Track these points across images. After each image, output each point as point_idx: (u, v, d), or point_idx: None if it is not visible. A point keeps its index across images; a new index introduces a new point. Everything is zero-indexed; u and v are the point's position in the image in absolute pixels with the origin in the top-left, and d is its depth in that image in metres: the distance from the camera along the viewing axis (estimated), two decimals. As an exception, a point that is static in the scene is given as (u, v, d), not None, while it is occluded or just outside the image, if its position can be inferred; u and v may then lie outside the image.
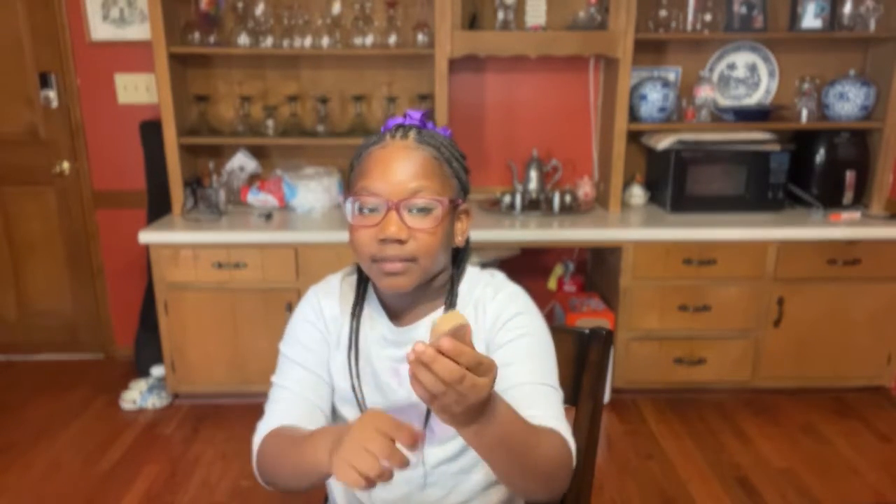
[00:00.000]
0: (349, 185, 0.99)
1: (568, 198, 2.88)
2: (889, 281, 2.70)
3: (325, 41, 2.79)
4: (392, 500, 1.06)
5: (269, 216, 2.78)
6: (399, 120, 0.99)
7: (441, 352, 0.65)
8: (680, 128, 2.85)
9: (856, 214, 2.75)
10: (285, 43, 2.78)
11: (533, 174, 2.92)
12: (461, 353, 0.65)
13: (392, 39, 2.81)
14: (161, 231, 2.63)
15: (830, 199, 2.86)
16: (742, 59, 2.99)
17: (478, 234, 2.53)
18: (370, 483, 0.72)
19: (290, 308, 2.57)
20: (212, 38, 2.80)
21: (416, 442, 0.73)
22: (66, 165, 3.06)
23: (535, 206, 2.89)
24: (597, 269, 3.08)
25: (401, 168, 0.93)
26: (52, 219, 3.12)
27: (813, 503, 2.20)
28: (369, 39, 2.80)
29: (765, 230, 2.66)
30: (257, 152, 3.03)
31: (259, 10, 2.77)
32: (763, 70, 3.00)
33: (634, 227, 2.71)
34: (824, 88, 2.89)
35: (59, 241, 3.15)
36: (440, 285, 1.04)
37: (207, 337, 2.69)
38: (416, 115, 0.99)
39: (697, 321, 2.72)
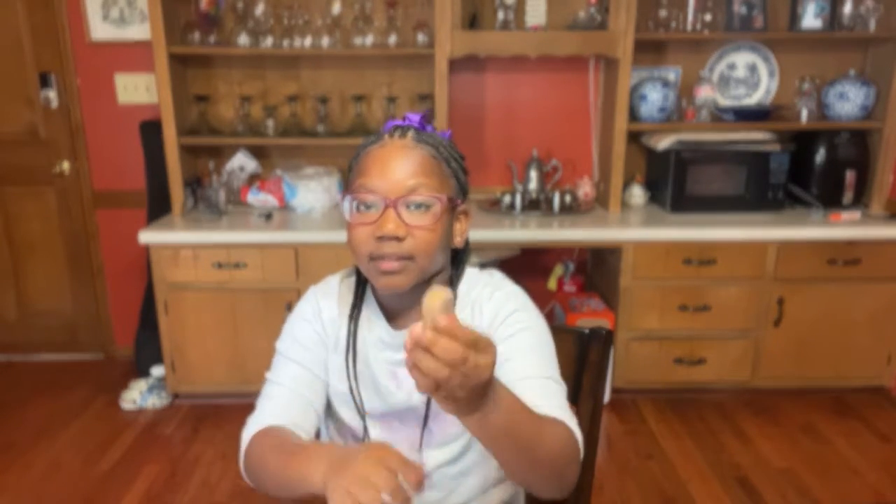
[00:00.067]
0: (348, 185, 0.99)
1: (568, 198, 2.88)
2: (889, 281, 2.70)
3: (325, 41, 2.79)
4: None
5: (269, 216, 2.78)
6: (398, 122, 0.99)
7: (438, 331, 0.62)
8: (680, 128, 2.85)
9: (856, 214, 2.75)
10: (285, 43, 2.78)
11: (533, 174, 2.92)
12: (459, 330, 0.62)
13: (392, 39, 2.81)
14: (161, 231, 2.63)
15: (830, 199, 2.86)
16: (742, 59, 2.99)
17: (478, 234, 2.54)
18: None
19: (290, 308, 2.55)
20: (212, 38, 2.80)
21: (421, 483, 0.71)
22: (66, 165, 3.06)
23: (535, 206, 2.89)
24: (597, 269, 3.08)
25: (399, 166, 0.93)
26: (52, 219, 3.13)
27: (813, 503, 2.20)
28: (369, 39, 2.80)
29: (765, 230, 2.66)
30: (257, 152, 3.03)
31: (259, 10, 2.77)
32: (763, 70, 3.01)
33: (634, 227, 2.71)
34: (824, 88, 2.89)
35: (59, 241, 3.15)
36: (440, 284, 1.04)
37: (207, 337, 2.69)
38: (415, 117, 0.99)
39: (697, 321, 2.72)
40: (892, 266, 2.68)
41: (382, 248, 0.92)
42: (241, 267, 2.62)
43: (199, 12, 2.77)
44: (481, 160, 3.10)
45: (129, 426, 2.67)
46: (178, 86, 2.78)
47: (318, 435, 1.09)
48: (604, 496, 2.23)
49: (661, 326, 2.73)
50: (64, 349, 3.28)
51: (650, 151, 2.98)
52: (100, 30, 2.89)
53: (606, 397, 2.79)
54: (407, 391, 1.02)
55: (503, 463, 0.81)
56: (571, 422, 0.88)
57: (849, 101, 2.81)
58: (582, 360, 1.16)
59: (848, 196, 2.87)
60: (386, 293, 1.00)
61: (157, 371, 2.85)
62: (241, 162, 3.00)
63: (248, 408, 1.03)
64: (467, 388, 0.65)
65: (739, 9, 2.82)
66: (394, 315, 1.03)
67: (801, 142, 2.89)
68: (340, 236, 2.55)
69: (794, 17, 2.83)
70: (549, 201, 2.87)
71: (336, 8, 2.78)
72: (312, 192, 2.84)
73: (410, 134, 0.96)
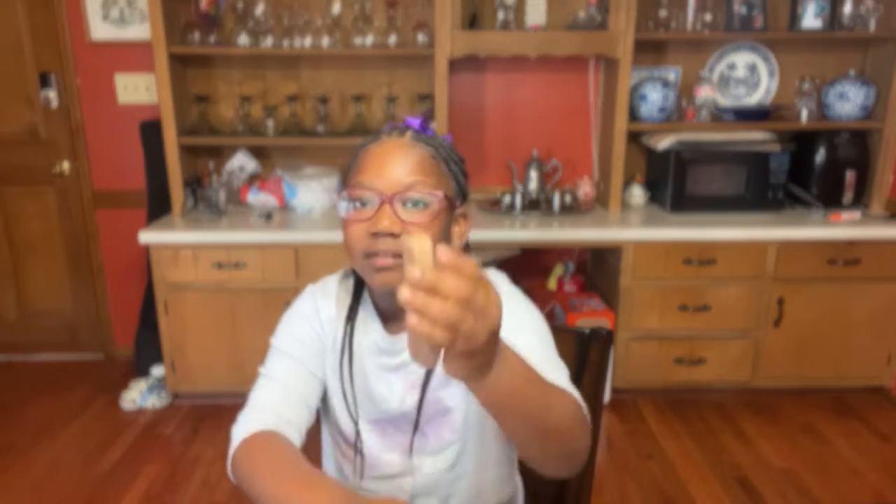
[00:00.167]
0: (344, 184, 0.98)
1: (568, 198, 2.88)
2: (889, 281, 2.71)
3: (325, 41, 2.79)
4: None
5: (269, 216, 2.78)
6: (397, 125, 0.98)
7: (441, 267, 0.54)
8: (680, 128, 2.85)
9: (856, 214, 2.75)
10: (285, 43, 2.78)
11: (533, 174, 2.92)
12: (463, 262, 0.54)
13: (392, 39, 2.81)
14: (161, 231, 2.63)
15: (830, 199, 2.86)
16: (742, 59, 2.99)
17: (478, 234, 2.54)
18: None
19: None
20: (212, 38, 2.80)
21: None
22: (66, 165, 3.06)
23: (535, 206, 2.89)
24: (597, 269, 3.08)
25: (396, 164, 0.92)
26: (52, 219, 3.13)
27: (813, 503, 2.20)
28: (369, 39, 2.80)
29: (765, 230, 2.66)
30: (257, 152, 3.03)
31: (259, 10, 2.77)
32: (763, 70, 3.01)
33: (634, 227, 2.71)
34: (824, 88, 2.89)
35: (59, 241, 3.15)
36: None
37: (207, 337, 2.69)
38: (415, 121, 0.98)
39: (697, 321, 2.72)
40: (892, 266, 2.69)
41: (377, 244, 0.91)
42: (241, 267, 2.62)
43: (199, 12, 2.77)
44: (481, 160, 3.10)
45: (129, 426, 2.67)
46: (178, 86, 2.78)
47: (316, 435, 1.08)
48: (604, 496, 2.23)
49: (660, 326, 2.73)
50: (64, 349, 3.28)
51: (650, 151, 2.98)
52: (100, 30, 2.89)
53: (606, 397, 2.79)
54: (399, 397, 1.01)
55: (513, 434, 0.76)
56: (577, 395, 0.84)
57: (849, 101, 2.81)
58: (582, 360, 1.16)
59: (848, 196, 2.87)
60: (381, 291, 0.98)
61: (157, 371, 2.85)
62: (241, 162, 3.00)
63: (247, 408, 1.02)
64: (481, 334, 0.57)
65: (739, 9, 2.82)
66: (389, 318, 1.02)
67: (801, 142, 2.89)
68: (340, 236, 2.54)
69: (794, 17, 2.83)
70: (549, 201, 2.87)
71: (336, 8, 2.78)
72: (312, 192, 2.84)
73: (409, 133, 0.95)
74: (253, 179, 3.03)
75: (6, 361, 3.25)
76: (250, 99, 2.93)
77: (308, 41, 2.78)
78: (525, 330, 0.93)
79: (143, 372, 2.91)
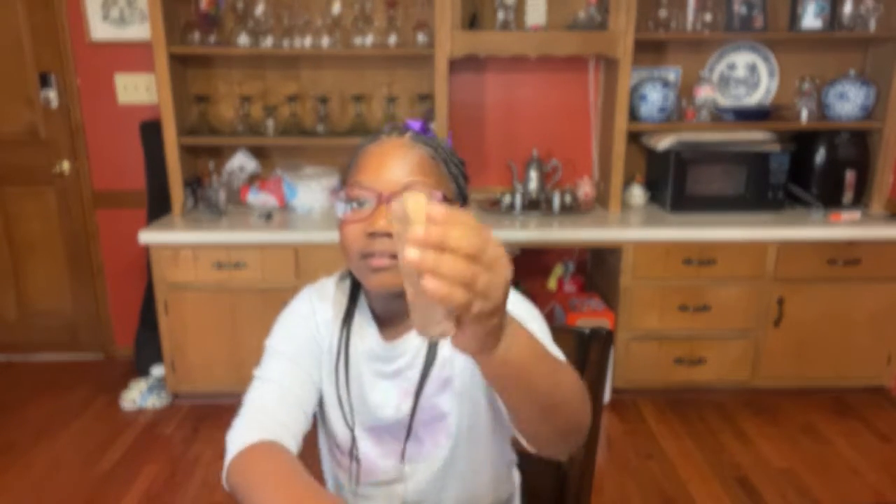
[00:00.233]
0: (343, 185, 0.97)
1: (568, 198, 2.88)
2: (889, 281, 2.70)
3: (325, 41, 2.79)
4: None
5: (269, 216, 2.78)
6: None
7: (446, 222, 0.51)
8: (680, 128, 2.85)
9: (856, 214, 2.75)
10: (285, 43, 2.78)
11: (533, 174, 2.92)
12: (464, 216, 0.51)
13: (392, 39, 2.81)
14: (161, 231, 2.63)
15: (830, 199, 2.86)
16: (742, 59, 2.99)
17: (478, 234, 2.53)
18: None
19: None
20: (212, 38, 2.80)
21: None
22: (66, 165, 3.06)
23: (535, 206, 2.89)
24: (597, 269, 3.08)
25: (395, 164, 0.90)
26: (52, 219, 3.13)
27: (813, 503, 2.20)
28: (369, 39, 2.80)
29: (765, 230, 2.66)
30: (257, 152, 3.03)
31: (259, 10, 2.77)
32: (763, 70, 3.01)
33: (634, 227, 2.71)
34: (824, 88, 2.89)
35: (59, 241, 3.15)
36: None
37: (207, 337, 2.69)
38: (415, 124, 0.97)
39: (697, 321, 2.72)
40: (892, 266, 2.69)
41: (374, 244, 0.89)
42: (241, 267, 2.62)
43: (199, 12, 2.77)
44: (481, 160, 3.10)
45: (129, 426, 2.67)
46: (178, 86, 2.79)
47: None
48: (604, 496, 2.23)
49: (660, 326, 2.73)
50: (64, 349, 3.28)
51: (650, 151, 2.98)
52: (100, 30, 2.89)
53: (606, 397, 2.79)
54: (395, 405, 1.00)
55: (519, 409, 0.72)
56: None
57: (849, 101, 2.81)
58: (582, 360, 1.16)
59: (848, 196, 2.87)
60: (378, 293, 0.97)
61: (157, 371, 2.85)
62: (241, 162, 3.00)
63: (247, 409, 1.02)
64: (496, 289, 0.53)
65: (739, 9, 2.82)
66: (386, 323, 1.01)
67: (801, 142, 2.89)
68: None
69: (794, 17, 2.83)
70: (549, 201, 2.87)
71: (336, 8, 2.78)
72: (312, 192, 2.84)
73: (409, 134, 0.94)
74: (253, 179, 3.03)
75: (6, 361, 3.25)
76: (250, 99, 2.93)
77: (308, 41, 2.78)
78: (525, 319, 0.91)
79: (143, 372, 2.91)
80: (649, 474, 2.36)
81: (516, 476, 1.17)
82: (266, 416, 0.94)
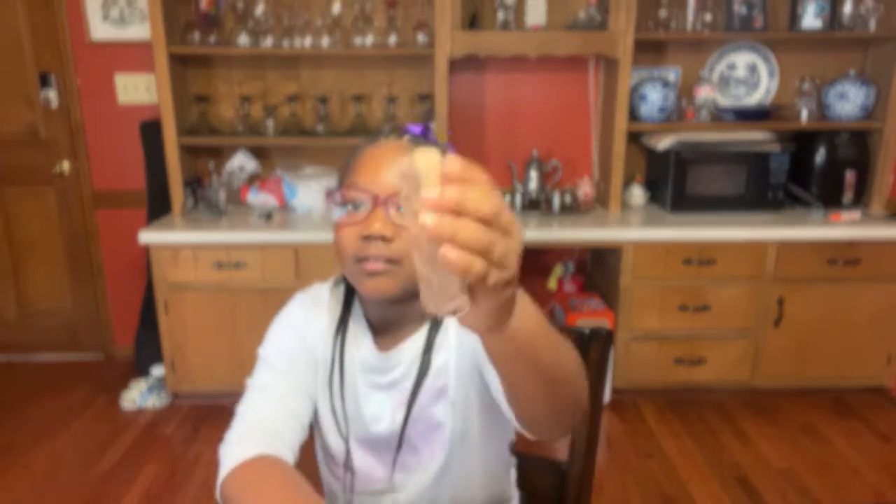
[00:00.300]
0: (339, 187, 0.95)
1: (568, 198, 2.88)
2: (889, 281, 2.70)
3: (325, 41, 2.79)
4: None
5: (269, 216, 2.78)
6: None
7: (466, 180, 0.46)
8: (680, 128, 2.85)
9: (856, 214, 2.75)
10: (285, 43, 2.78)
11: (533, 174, 2.92)
12: (476, 170, 0.47)
13: (392, 39, 2.81)
14: (161, 231, 2.63)
15: (830, 199, 2.86)
16: (742, 59, 2.99)
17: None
18: None
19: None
20: (212, 38, 2.80)
21: None
22: (66, 165, 3.06)
23: (535, 206, 2.89)
24: (597, 269, 3.08)
25: (392, 166, 0.89)
26: (52, 219, 3.13)
27: (813, 503, 2.20)
28: (369, 39, 2.80)
29: (765, 230, 2.66)
30: (257, 152, 3.04)
31: (259, 10, 2.77)
32: (763, 70, 3.00)
33: (634, 227, 2.71)
34: (824, 88, 2.89)
35: (59, 241, 3.15)
36: None
37: (207, 337, 2.69)
38: (416, 128, 0.96)
39: (697, 321, 2.72)
40: (892, 266, 2.69)
41: (368, 248, 0.87)
42: (241, 267, 2.62)
43: (199, 12, 2.77)
44: (481, 160, 3.09)
45: (129, 426, 2.67)
46: (178, 86, 2.79)
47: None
48: (604, 496, 2.23)
49: (660, 326, 2.73)
50: (64, 349, 3.28)
51: (650, 151, 2.98)
52: (100, 30, 2.89)
53: (606, 397, 2.79)
54: (391, 417, 0.98)
55: (525, 389, 0.69)
56: None
57: (849, 101, 2.81)
58: (582, 360, 1.15)
59: (848, 196, 2.87)
60: (372, 299, 0.94)
61: (157, 371, 2.85)
62: (241, 162, 3.00)
63: (248, 408, 1.01)
64: (512, 256, 0.49)
65: (739, 9, 2.82)
66: (381, 332, 0.99)
67: (801, 142, 2.89)
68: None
69: (794, 17, 2.83)
70: (549, 201, 2.88)
71: (336, 8, 2.78)
72: (312, 192, 2.84)
73: (407, 136, 0.93)
74: (253, 179, 3.03)
75: (6, 361, 3.25)
76: (250, 99, 2.93)
77: (308, 41, 2.78)
78: None
79: (143, 372, 2.91)
80: (649, 474, 2.36)
81: (514, 479, 1.15)
82: (260, 429, 0.92)
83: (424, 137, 0.95)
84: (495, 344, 0.60)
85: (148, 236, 2.60)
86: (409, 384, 0.97)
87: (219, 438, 0.93)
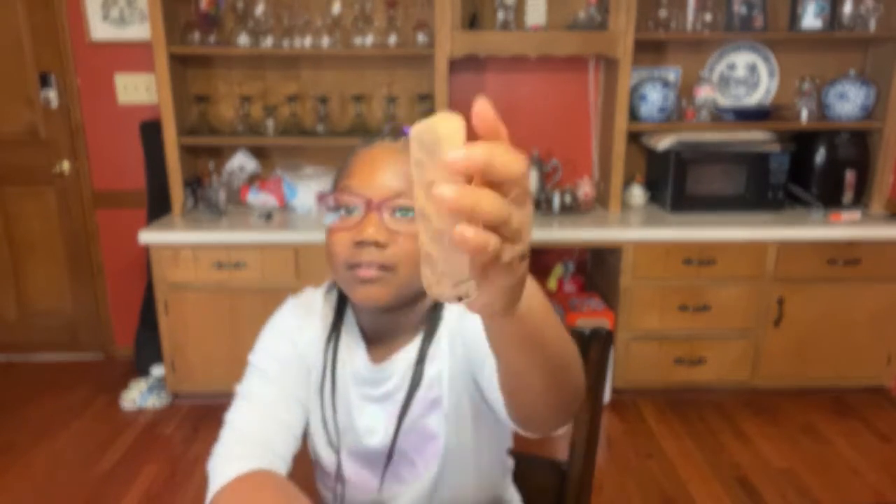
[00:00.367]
0: (333, 190, 0.91)
1: (568, 198, 2.88)
2: (889, 281, 2.70)
3: (325, 41, 2.79)
4: None
5: (269, 216, 2.78)
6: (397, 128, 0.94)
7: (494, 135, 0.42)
8: (680, 128, 2.85)
9: (856, 214, 2.75)
10: (285, 43, 2.78)
11: (533, 174, 2.92)
12: (500, 126, 0.43)
13: (392, 39, 2.81)
14: (161, 231, 2.63)
15: (830, 199, 2.86)
16: (742, 59, 2.99)
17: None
18: None
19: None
20: (212, 38, 2.80)
21: None
22: (66, 165, 3.06)
23: (535, 206, 2.89)
24: (597, 269, 3.08)
25: (386, 169, 0.85)
26: (52, 219, 3.13)
27: (813, 503, 2.20)
28: (369, 39, 2.80)
29: (765, 230, 2.66)
30: (257, 152, 3.04)
31: (259, 10, 2.77)
32: (763, 70, 3.00)
33: (634, 227, 2.71)
34: (824, 88, 2.89)
35: (59, 241, 3.15)
36: (424, 312, 0.94)
37: (207, 337, 2.69)
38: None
39: (697, 321, 2.72)
40: (892, 266, 2.69)
41: (361, 254, 0.84)
42: (241, 267, 2.62)
43: (199, 12, 2.77)
44: (481, 160, 3.09)
45: (129, 426, 2.67)
46: (178, 86, 2.79)
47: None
48: (604, 496, 2.23)
49: (661, 326, 2.73)
50: (64, 349, 3.28)
51: (650, 151, 2.98)
52: (100, 30, 2.89)
53: (606, 397, 2.79)
54: (384, 430, 0.96)
55: (529, 378, 0.64)
56: None
57: (849, 101, 2.81)
58: (582, 360, 1.15)
59: (848, 196, 2.87)
60: (364, 307, 0.91)
61: (157, 371, 2.85)
62: (241, 162, 3.00)
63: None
64: (526, 231, 0.46)
65: (739, 9, 2.82)
66: (374, 341, 0.96)
67: (801, 142, 2.89)
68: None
69: (794, 17, 2.83)
70: (549, 201, 2.88)
71: (336, 8, 2.78)
72: (312, 192, 2.84)
73: (404, 138, 0.89)
74: (253, 179, 3.03)
75: (6, 361, 3.25)
76: (250, 99, 2.93)
77: (308, 41, 2.78)
78: None
79: (143, 372, 2.91)
80: (649, 474, 2.36)
81: (511, 483, 1.14)
82: (251, 441, 0.88)
83: None
84: (504, 328, 0.55)
85: (148, 236, 2.60)
86: (402, 396, 0.95)
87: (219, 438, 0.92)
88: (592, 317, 2.71)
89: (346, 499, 1.01)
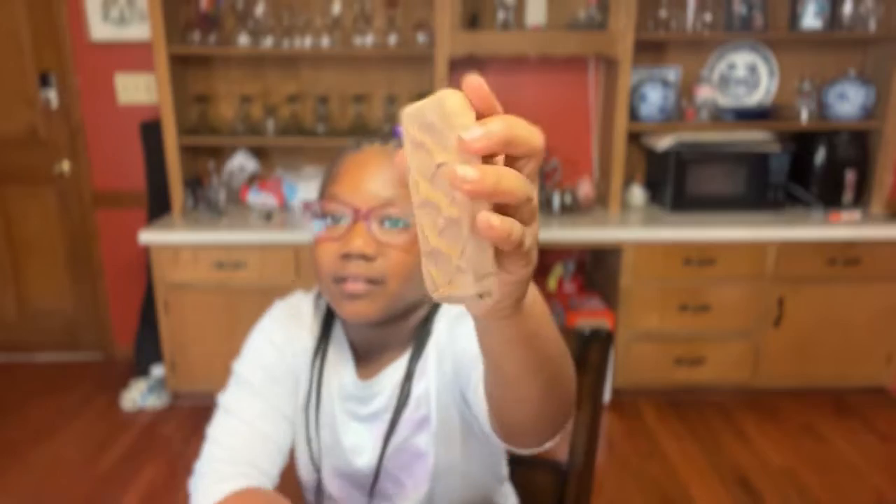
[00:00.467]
0: (319, 196, 0.86)
1: (568, 198, 2.88)
2: (889, 281, 2.70)
3: (325, 41, 2.79)
4: None
5: (268, 216, 2.78)
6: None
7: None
8: (680, 128, 2.85)
9: (856, 214, 2.75)
10: (285, 43, 2.78)
11: (533, 174, 2.92)
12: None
13: (392, 39, 2.81)
14: (161, 231, 2.63)
15: (830, 199, 2.86)
16: (742, 59, 2.99)
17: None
18: None
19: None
20: (212, 38, 2.80)
21: None
22: (66, 165, 3.06)
23: (535, 206, 2.88)
24: (597, 269, 3.08)
25: (375, 175, 0.80)
26: (52, 219, 3.13)
27: (813, 503, 2.20)
28: (369, 39, 2.80)
29: (765, 230, 2.66)
30: (257, 152, 3.04)
31: (259, 10, 2.77)
32: (763, 70, 3.00)
33: (634, 227, 2.71)
34: (824, 88, 2.89)
35: (59, 241, 3.15)
36: (414, 325, 0.90)
37: (207, 336, 2.69)
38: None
39: (697, 321, 2.72)
40: (892, 266, 2.69)
41: (347, 267, 0.80)
42: (241, 267, 2.62)
43: (199, 12, 2.77)
44: (481, 160, 3.09)
45: (129, 426, 2.67)
46: (178, 86, 2.78)
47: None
48: (604, 496, 2.23)
49: (661, 326, 2.73)
50: (64, 349, 3.28)
51: (650, 151, 2.98)
52: (100, 30, 2.89)
53: (607, 397, 2.79)
54: (371, 450, 0.93)
55: (526, 385, 0.60)
56: None
57: (849, 101, 2.81)
58: (582, 360, 1.16)
59: (848, 196, 2.87)
60: (352, 323, 0.87)
61: (157, 371, 2.85)
62: (241, 162, 3.00)
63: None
64: (535, 211, 0.41)
65: (739, 9, 2.82)
66: (363, 356, 0.93)
67: (801, 142, 2.89)
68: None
69: (794, 17, 2.83)
70: (549, 201, 2.87)
71: (336, 8, 2.78)
72: (312, 192, 2.84)
73: (393, 141, 0.84)
74: (253, 179, 3.03)
75: (6, 361, 3.25)
76: (250, 99, 2.93)
77: (308, 41, 2.78)
78: None
79: (143, 372, 2.91)
80: (649, 474, 2.36)
81: (509, 490, 1.12)
82: (234, 458, 0.85)
83: None
84: (505, 330, 0.50)
85: (148, 236, 2.60)
86: (389, 416, 0.91)
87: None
88: (592, 317, 2.71)
89: None
